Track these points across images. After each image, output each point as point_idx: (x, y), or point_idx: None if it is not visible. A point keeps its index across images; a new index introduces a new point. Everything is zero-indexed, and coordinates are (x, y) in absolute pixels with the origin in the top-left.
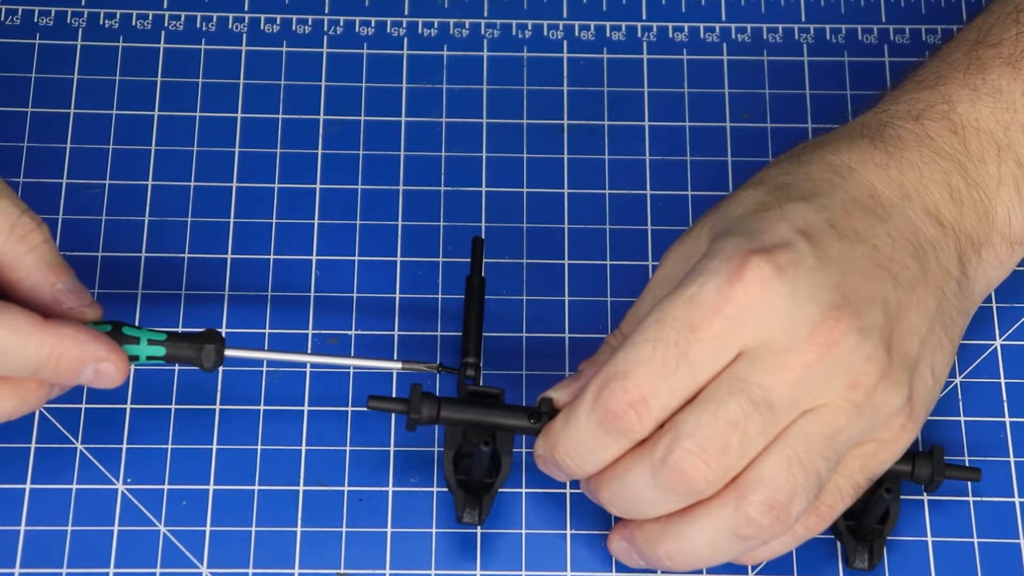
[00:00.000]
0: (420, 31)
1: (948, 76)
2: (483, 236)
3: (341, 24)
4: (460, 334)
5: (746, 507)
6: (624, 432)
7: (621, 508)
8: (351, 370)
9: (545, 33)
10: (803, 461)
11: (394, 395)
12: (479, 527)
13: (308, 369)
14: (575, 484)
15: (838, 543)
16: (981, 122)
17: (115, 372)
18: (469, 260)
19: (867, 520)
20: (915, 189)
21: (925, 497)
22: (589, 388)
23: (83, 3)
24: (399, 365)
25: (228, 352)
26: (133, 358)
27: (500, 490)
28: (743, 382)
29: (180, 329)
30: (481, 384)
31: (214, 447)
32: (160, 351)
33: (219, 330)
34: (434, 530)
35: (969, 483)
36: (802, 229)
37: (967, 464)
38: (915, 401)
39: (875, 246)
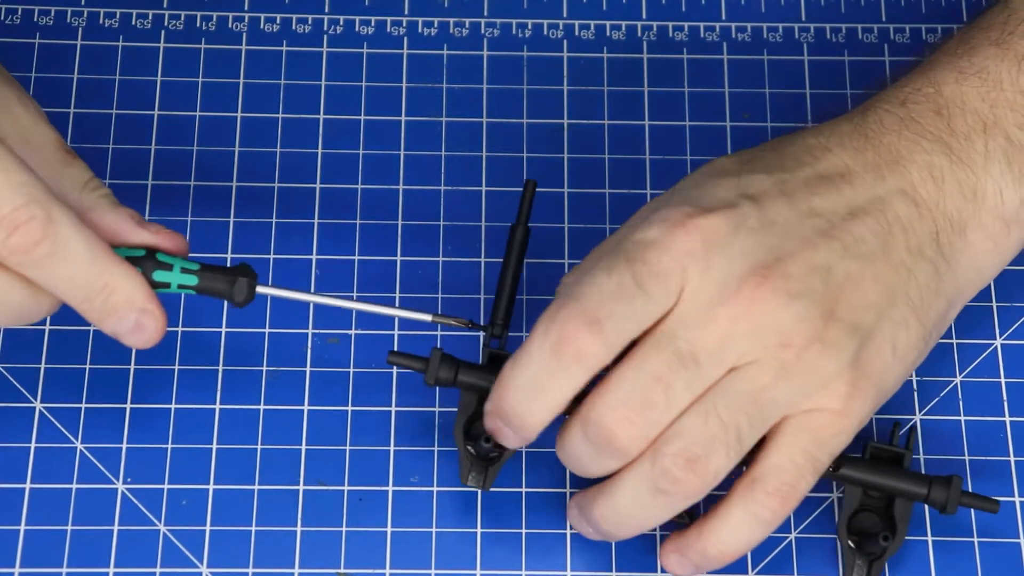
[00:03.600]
0: (420, 30)
1: (936, 60)
2: (482, 241)
3: (341, 24)
4: (460, 334)
5: (661, 459)
6: (578, 357)
7: (570, 468)
8: (387, 317)
9: (545, 33)
10: (721, 415)
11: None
12: (479, 528)
13: (308, 369)
14: (575, 484)
15: (838, 545)
16: (967, 102)
17: (154, 328)
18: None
19: (873, 538)
20: (889, 169)
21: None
22: (540, 319)
23: (83, 3)
24: (429, 317)
25: (260, 289)
26: (164, 285)
27: (500, 490)
28: (671, 335)
29: (180, 329)
30: (505, 349)
31: (214, 447)
32: (192, 280)
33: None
34: (434, 530)
35: (969, 482)
36: (751, 194)
37: (965, 460)
38: (864, 370)
39: (830, 221)
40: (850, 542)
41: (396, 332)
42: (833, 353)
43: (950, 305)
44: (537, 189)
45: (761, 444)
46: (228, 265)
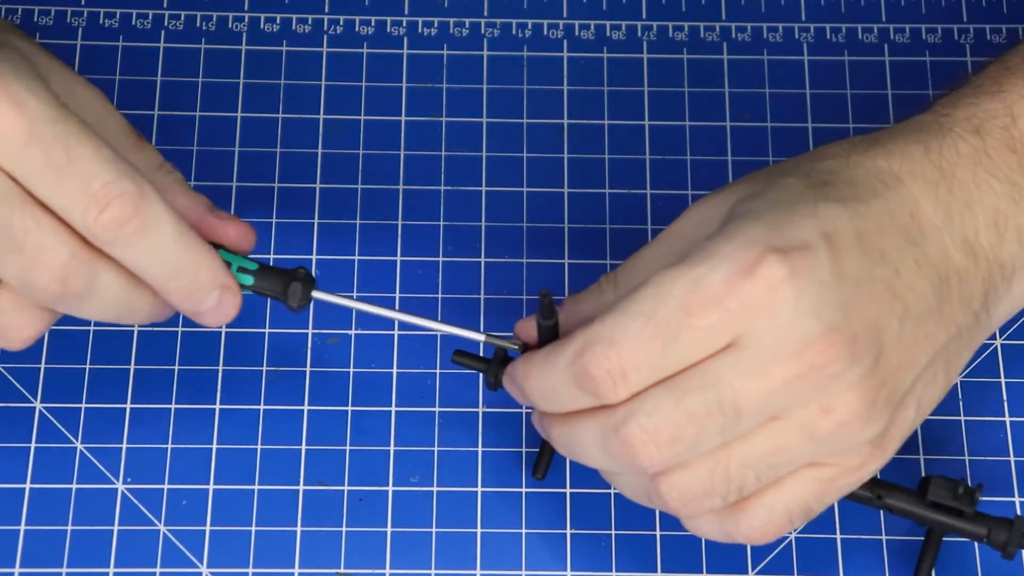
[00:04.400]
0: (420, 30)
1: (1008, 83)
2: (482, 241)
3: (341, 23)
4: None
5: (659, 483)
6: (596, 394)
7: (565, 450)
8: (437, 335)
9: (545, 32)
10: (731, 469)
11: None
12: (479, 528)
13: (308, 369)
14: (575, 484)
15: (838, 542)
16: None
17: (234, 305)
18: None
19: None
20: (959, 212)
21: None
22: (574, 340)
23: (83, 3)
24: (482, 337)
25: (316, 294)
26: None
27: (500, 490)
28: (717, 379)
29: (180, 328)
30: None
31: (214, 447)
32: (248, 280)
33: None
34: (434, 530)
35: (970, 482)
36: (828, 234)
37: (965, 460)
38: (890, 433)
39: (897, 271)
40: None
41: (396, 332)
42: (870, 425)
43: (972, 353)
44: (537, 189)
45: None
46: (286, 268)
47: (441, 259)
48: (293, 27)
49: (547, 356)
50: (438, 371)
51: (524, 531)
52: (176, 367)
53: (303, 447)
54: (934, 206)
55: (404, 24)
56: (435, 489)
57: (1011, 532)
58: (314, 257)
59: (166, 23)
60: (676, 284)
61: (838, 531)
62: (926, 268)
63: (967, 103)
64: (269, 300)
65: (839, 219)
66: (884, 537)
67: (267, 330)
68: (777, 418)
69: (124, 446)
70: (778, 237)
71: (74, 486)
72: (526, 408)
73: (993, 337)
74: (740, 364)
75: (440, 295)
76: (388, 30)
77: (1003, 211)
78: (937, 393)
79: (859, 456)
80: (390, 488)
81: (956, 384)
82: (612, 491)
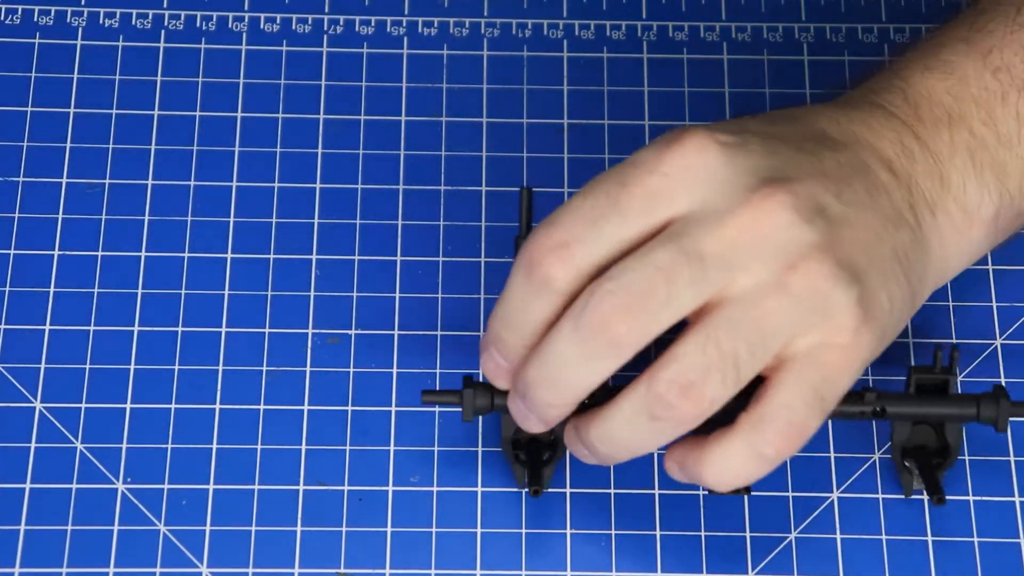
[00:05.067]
0: (420, 30)
1: (904, 58)
2: (482, 241)
3: (341, 23)
4: (460, 334)
5: (656, 385)
6: (546, 282)
7: (547, 380)
8: None
9: (545, 32)
10: (721, 342)
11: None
12: (479, 528)
13: (308, 369)
14: (575, 484)
15: (838, 542)
16: (933, 94)
17: None
18: (517, 219)
19: (927, 461)
20: (866, 138)
21: (925, 497)
22: (521, 249)
23: (83, 3)
24: None
25: None
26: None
27: (500, 490)
28: (676, 235)
29: (180, 328)
30: None
31: (214, 447)
32: None
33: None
34: (434, 529)
35: (969, 482)
36: (753, 131)
37: (965, 460)
38: (868, 310)
39: (822, 164)
40: (906, 463)
41: (396, 332)
42: (840, 284)
43: (921, 283)
44: (537, 189)
45: (765, 382)
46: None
47: (441, 259)
48: (293, 27)
49: (504, 287)
50: (438, 371)
51: (524, 531)
52: (176, 367)
53: (303, 447)
54: (840, 132)
55: (404, 24)
56: (435, 489)
57: (999, 405)
58: (314, 257)
59: (166, 23)
60: (610, 171)
61: (838, 531)
62: (847, 168)
63: (865, 82)
64: (270, 299)
65: (761, 127)
66: (884, 537)
67: (267, 330)
68: (748, 284)
69: (124, 446)
70: (709, 129)
71: (74, 486)
72: None
73: (993, 337)
74: (693, 222)
75: (440, 295)
76: (388, 30)
77: (908, 146)
78: (903, 294)
79: (845, 329)
80: (390, 488)
81: (956, 384)
82: (612, 491)
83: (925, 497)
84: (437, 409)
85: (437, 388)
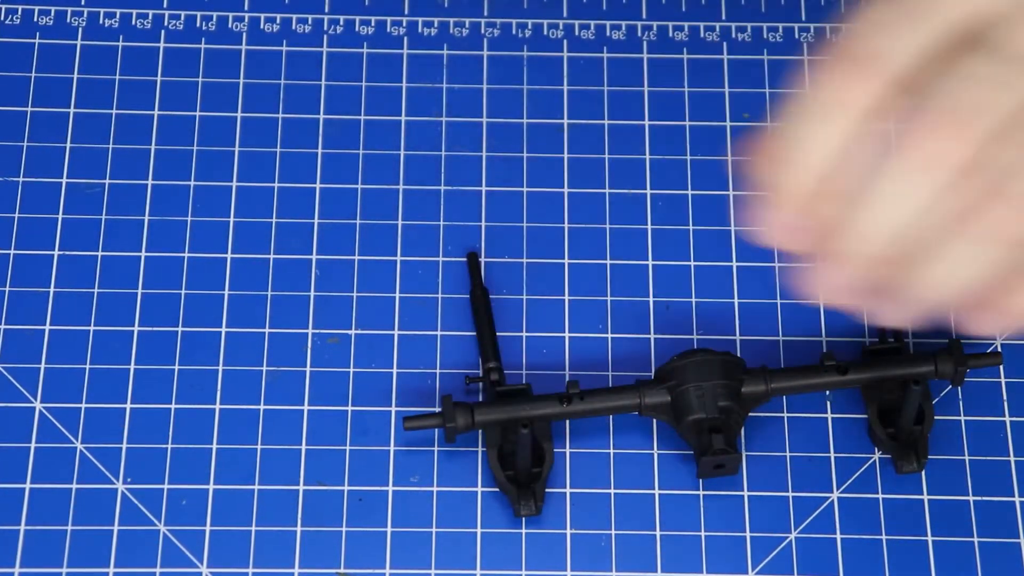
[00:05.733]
0: (420, 30)
1: None
2: (482, 241)
3: (341, 23)
4: (460, 334)
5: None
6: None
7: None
8: None
9: (545, 32)
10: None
11: (419, 410)
12: (479, 528)
13: (308, 369)
14: (575, 484)
15: (838, 542)
16: None
17: None
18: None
19: (904, 422)
20: None
21: (925, 497)
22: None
23: (83, 3)
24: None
25: None
26: None
27: (499, 490)
28: (981, 37)
29: (180, 328)
30: (506, 383)
31: (214, 447)
32: None
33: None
34: (434, 530)
35: (970, 482)
36: None
37: (965, 460)
38: None
39: None
40: (887, 435)
41: (396, 332)
42: None
43: None
44: (537, 189)
45: None
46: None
47: (441, 259)
48: (293, 27)
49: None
50: (438, 371)
51: (525, 531)
52: (176, 367)
53: (303, 447)
54: None
55: (404, 24)
56: (435, 489)
57: (954, 358)
58: (314, 257)
59: (166, 23)
60: None
61: (838, 531)
62: None
63: None
64: (270, 299)
65: None
66: (884, 537)
67: (267, 330)
68: None
69: (124, 446)
70: None
71: (74, 486)
72: None
73: (993, 337)
74: (1000, 21)
75: (440, 295)
76: (388, 30)
77: None
78: None
79: None
80: (390, 488)
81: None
82: (612, 491)
83: (925, 497)
84: (437, 410)
85: (436, 388)
